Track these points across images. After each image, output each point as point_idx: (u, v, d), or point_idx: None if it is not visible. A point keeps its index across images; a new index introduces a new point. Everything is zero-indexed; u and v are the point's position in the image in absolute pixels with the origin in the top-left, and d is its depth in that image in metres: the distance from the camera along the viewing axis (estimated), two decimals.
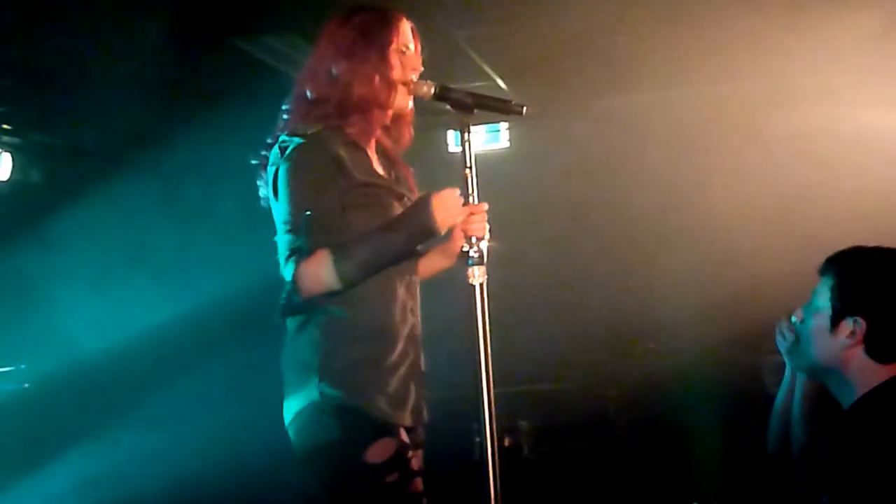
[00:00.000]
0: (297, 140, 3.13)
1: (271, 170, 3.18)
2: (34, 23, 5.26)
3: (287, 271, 3.03)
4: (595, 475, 6.76)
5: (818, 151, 6.46)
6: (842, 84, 6.32)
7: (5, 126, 6.13)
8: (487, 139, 6.74)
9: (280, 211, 3.11)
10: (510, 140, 6.98)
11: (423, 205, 3.11)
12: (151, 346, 5.84)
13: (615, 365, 7.32)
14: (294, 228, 3.06)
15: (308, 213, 3.05)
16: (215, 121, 5.67)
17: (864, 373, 2.94)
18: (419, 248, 3.30)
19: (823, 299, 3.03)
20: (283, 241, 3.09)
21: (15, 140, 6.18)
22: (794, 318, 3.16)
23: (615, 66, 6.43)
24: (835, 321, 2.98)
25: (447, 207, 3.11)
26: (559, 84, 6.79)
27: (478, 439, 6.25)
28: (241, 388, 5.73)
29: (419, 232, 3.13)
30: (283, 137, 3.17)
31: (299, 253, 3.02)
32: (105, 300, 5.87)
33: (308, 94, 3.25)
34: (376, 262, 3.09)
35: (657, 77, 6.60)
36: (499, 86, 6.78)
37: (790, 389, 3.48)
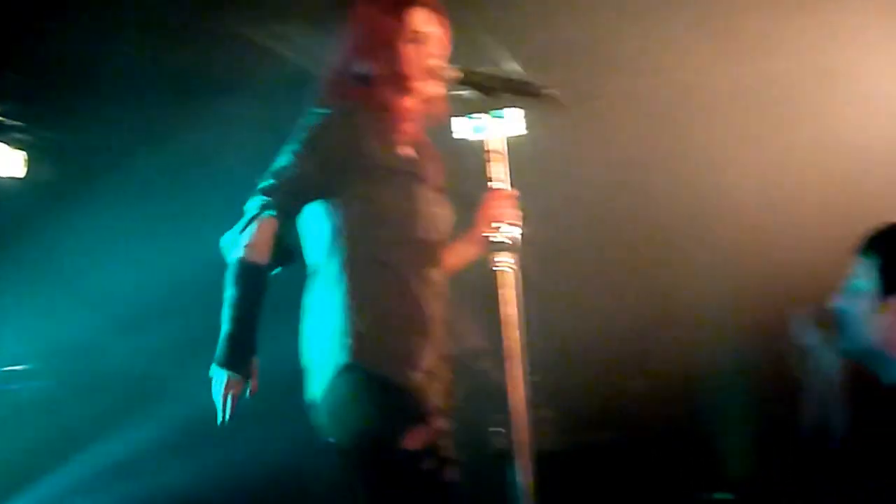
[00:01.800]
0: (318, 112, 3.15)
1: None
2: (43, 20, 5.23)
3: (250, 212, 3.05)
4: (617, 467, 6.73)
5: (839, 136, 6.36)
6: (871, 63, 6.19)
7: (18, 124, 6.08)
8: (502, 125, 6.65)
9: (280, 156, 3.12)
10: (527, 127, 6.90)
11: None
12: (171, 341, 5.77)
13: (639, 354, 7.26)
14: (275, 174, 3.08)
15: (291, 171, 3.08)
16: (227, 110, 5.61)
17: None
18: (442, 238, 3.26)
19: (868, 280, 2.93)
20: (260, 181, 3.09)
21: (28, 138, 6.14)
22: (831, 305, 3.07)
23: (637, 48, 6.36)
24: (881, 300, 2.89)
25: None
26: (576, 68, 6.73)
27: (492, 429, 6.31)
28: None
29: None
30: (308, 113, 3.18)
31: (273, 203, 3.05)
32: (122, 298, 5.82)
33: (334, 72, 3.25)
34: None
35: (680, 60, 6.51)
36: (514, 69, 6.72)
37: (823, 379, 3.41)
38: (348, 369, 3.01)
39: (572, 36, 6.24)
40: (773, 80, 6.57)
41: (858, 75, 6.25)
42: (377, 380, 3.01)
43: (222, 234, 3.10)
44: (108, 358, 5.82)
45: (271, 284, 3.08)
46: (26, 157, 6.15)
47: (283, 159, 3.09)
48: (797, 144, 6.51)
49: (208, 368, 3.01)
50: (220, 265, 3.09)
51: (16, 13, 5.13)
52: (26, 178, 6.14)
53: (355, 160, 3.09)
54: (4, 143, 6.05)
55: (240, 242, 3.02)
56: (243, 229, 3.02)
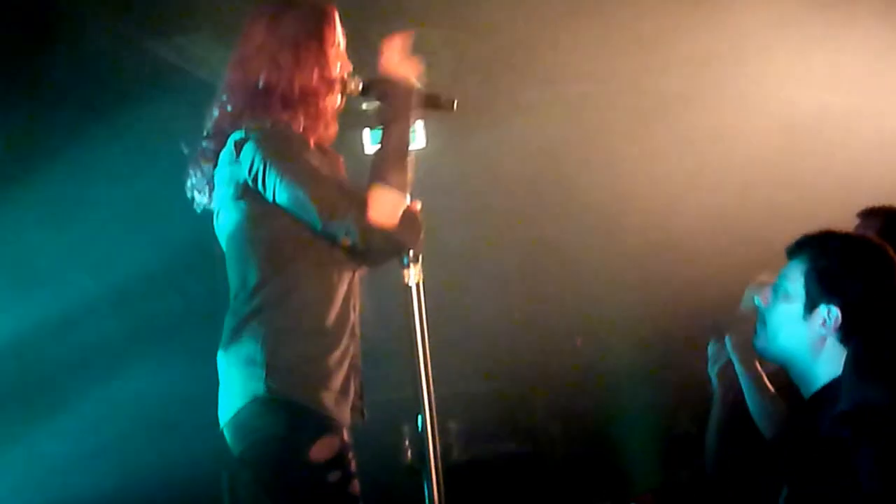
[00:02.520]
0: (254, 133, 3.08)
1: (229, 168, 3.12)
2: None
3: (365, 234, 3.00)
4: (525, 477, 6.76)
5: (762, 139, 6.49)
6: (794, 65, 6.31)
7: None
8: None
9: (297, 200, 3.02)
10: (427, 138, 6.88)
11: (387, 83, 3.17)
12: (72, 351, 5.66)
13: (545, 364, 7.29)
14: (333, 202, 3.01)
15: (329, 185, 3.05)
16: (128, 124, 5.52)
17: (833, 361, 2.87)
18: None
19: (796, 284, 2.94)
20: (325, 220, 3.00)
21: None
22: (757, 301, 3.08)
23: (536, 58, 6.42)
24: (809, 308, 2.91)
25: (399, 63, 3.18)
26: (474, 79, 6.76)
27: (407, 441, 6.30)
28: (167, 392, 5.61)
29: (403, 101, 3.16)
30: (236, 135, 3.10)
31: (361, 210, 3.00)
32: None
33: (249, 82, 3.19)
34: (402, 155, 3.13)
35: (577, 69, 6.58)
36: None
37: (727, 401, 3.48)
38: (260, 400, 3.02)
39: (480, 47, 6.28)
40: (677, 91, 6.67)
41: (762, 85, 6.39)
42: (288, 406, 3.01)
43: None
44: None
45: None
46: None
47: (302, 187, 3.02)
48: (703, 152, 6.62)
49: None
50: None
51: None
52: None
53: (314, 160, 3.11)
54: None
55: (395, 209, 3.06)
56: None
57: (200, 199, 3.29)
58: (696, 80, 6.47)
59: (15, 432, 5.48)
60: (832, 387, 2.85)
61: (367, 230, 2.99)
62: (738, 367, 3.60)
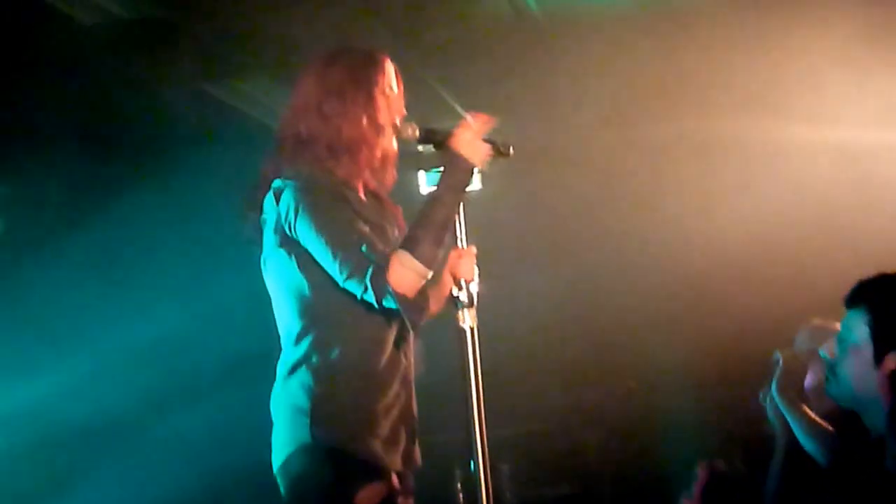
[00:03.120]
0: (291, 182, 3.10)
1: (270, 216, 3.15)
2: None
3: (381, 294, 2.96)
4: None
5: (806, 177, 6.48)
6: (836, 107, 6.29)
7: None
8: None
9: (323, 252, 3.03)
10: (482, 182, 6.94)
11: (451, 156, 3.11)
12: (128, 398, 5.74)
13: (597, 405, 7.28)
14: (355, 259, 2.99)
15: (356, 238, 3.02)
16: (187, 167, 5.61)
17: None
18: None
19: (861, 333, 2.96)
20: (346, 275, 3.00)
21: None
22: (823, 353, 3.11)
23: (587, 103, 6.47)
24: (878, 356, 2.93)
25: (469, 142, 3.11)
26: (529, 123, 6.82)
27: (459, 484, 6.30)
28: (228, 436, 5.65)
29: (461, 178, 3.11)
30: (276, 182, 3.14)
31: (380, 270, 2.96)
32: (72, 357, 5.76)
33: (297, 132, 3.21)
34: (440, 232, 3.07)
35: (631, 112, 6.63)
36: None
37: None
38: (307, 448, 3.05)
39: (521, 91, 6.34)
40: (722, 132, 6.68)
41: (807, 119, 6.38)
42: (336, 456, 3.03)
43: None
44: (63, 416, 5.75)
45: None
46: None
47: (328, 239, 3.03)
48: (760, 193, 6.61)
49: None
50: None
51: None
52: None
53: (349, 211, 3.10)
54: None
55: (417, 277, 3.00)
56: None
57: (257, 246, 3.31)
58: (749, 123, 6.47)
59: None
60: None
61: (382, 295, 2.97)
62: (783, 407, 3.71)
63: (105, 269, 5.89)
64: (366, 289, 2.97)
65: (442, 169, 3.13)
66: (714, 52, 5.89)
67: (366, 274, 2.96)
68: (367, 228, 3.07)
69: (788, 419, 3.71)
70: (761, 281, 6.34)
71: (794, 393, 3.72)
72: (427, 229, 3.04)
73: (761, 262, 6.54)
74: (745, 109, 6.43)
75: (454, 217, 3.14)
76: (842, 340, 3.04)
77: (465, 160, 3.09)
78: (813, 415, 3.66)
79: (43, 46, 5.18)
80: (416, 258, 2.97)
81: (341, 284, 3.02)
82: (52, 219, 5.93)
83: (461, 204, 3.14)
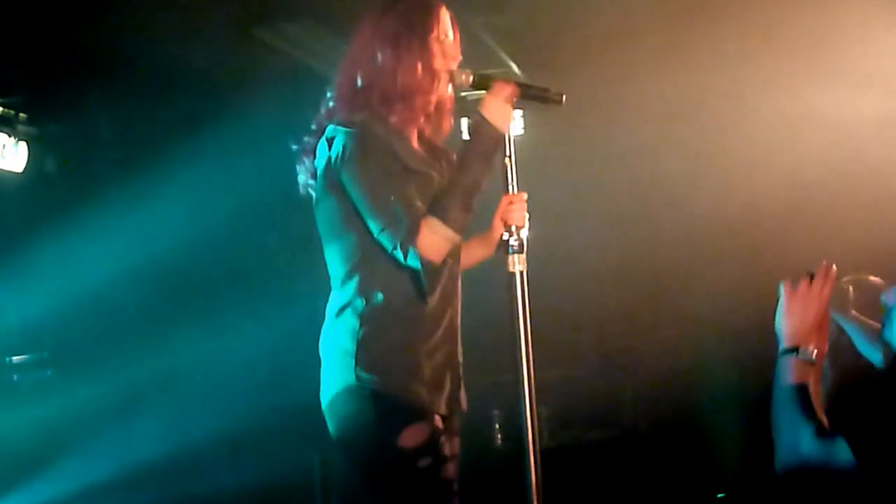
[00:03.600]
0: (343, 130, 3.14)
1: (321, 161, 3.20)
2: (48, 12, 5.24)
3: (408, 256, 3.04)
4: (613, 466, 6.80)
5: (836, 139, 6.46)
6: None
7: (21, 115, 6.09)
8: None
9: (362, 204, 3.10)
10: (524, 127, 6.97)
11: (479, 122, 3.16)
12: (177, 330, 5.85)
13: (634, 352, 7.36)
14: (389, 217, 3.06)
15: (392, 197, 3.07)
16: (238, 110, 5.65)
17: None
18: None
19: None
20: (379, 230, 3.08)
21: (32, 130, 6.14)
22: (885, 299, 3.12)
23: (629, 54, 6.44)
24: None
25: (497, 108, 3.16)
26: (571, 71, 6.82)
27: (497, 425, 6.38)
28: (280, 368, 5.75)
29: (491, 145, 3.15)
30: (329, 128, 3.19)
31: (410, 233, 3.04)
32: (126, 290, 5.87)
33: (353, 80, 3.25)
34: (470, 197, 3.13)
35: (670, 65, 6.60)
36: (515, 72, 6.83)
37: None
38: (352, 389, 3.13)
39: (565, 40, 6.34)
40: (764, 85, 6.67)
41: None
42: (380, 397, 3.11)
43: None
44: (110, 351, 5.87)
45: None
46: (28, 150, 6.13)
47: (367, 193, 3.10)
48: (802, 146, 6.61)
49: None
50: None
51: (21, 6, 5.15)
52: (28, 170, 6.13)
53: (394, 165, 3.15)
54: (8, 134, 6.03)
55: (446, 243, 3.09)
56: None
57: (310, 191, 3.35)
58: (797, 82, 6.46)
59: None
60: None
61: (408, 255, 3.04)
62: (842, 321, 4.10)
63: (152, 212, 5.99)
64: (395, 247, 3.05)
65: (474, 136, 3.17)
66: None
67: (397, 233, 3.04)
68: (409, 186, 3.11)
69: (845, 326, 4.11)
70: (801, 232, 6.33)
71: (846, 308, 4.11)
72: (455, 196, 3.10)
73: (803, 213, 6.54)
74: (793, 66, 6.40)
75: (482, 182, 3.17)
76: None
77: (493, 127, 3.14)
78: (867, 320, 4.00)
79: None
80: (446, 224, 3.06)
81: (375, 236, 3.09)
82: (103, 158, 6.02)
83: (489, 169, 3.17)
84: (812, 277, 2.83)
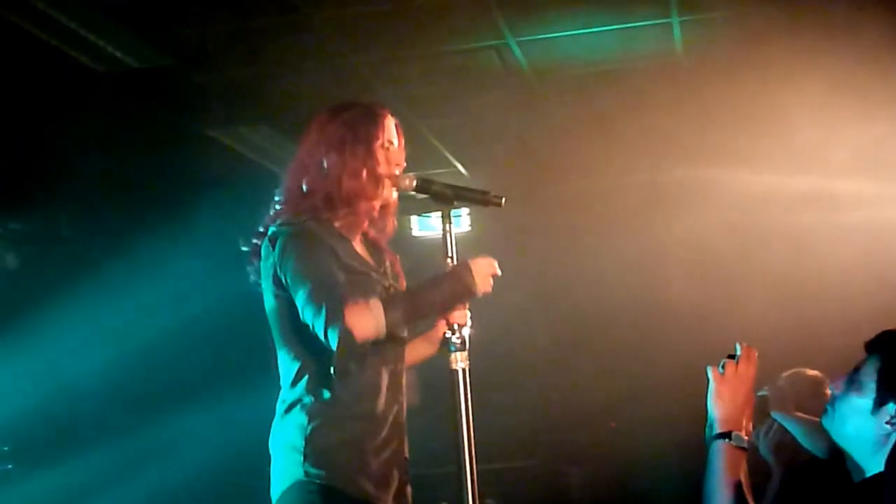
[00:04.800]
0: (284, 230, 3.23)
1: (266, 263, 3.27)
2: (12, 117, 5.42)
3: (332, 333, 3.02)
4: None
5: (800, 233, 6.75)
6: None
7: None
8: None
9: (297, 293, 3.13)
10: (470, 224, 7.17)
11: (464, 268, 3.21)
12: (141, 428, 5.92)
13: (579, 443, 7.49)
14: (320, 296, 3.08)
15: (324, 281, 3.12)
16: (194, 209, 5.79)
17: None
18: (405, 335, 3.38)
19: (868, 379, 2.91)
20: (311, 314, 3.08)
21: None
22: (831, 387, 3.06)
23: (574, 152, 6.71)
24: (878, 404, 2.88)
25: (484, 272, 3.22)
26: (516, 170, 7.07)
27: None
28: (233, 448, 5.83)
29: (460, 292, 3.21)
30: (272, 229, 3.26)
31: (337, 310, 3.02)
32: (87, 385, 5.95)
33: (299, 185, 3.35)
34: (417, 315, 3.21)
35: (608, 165, 6.87)
36: (460, 172, 7.08)
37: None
38: (301, 484, 3.17)
39: (508, 140, 6.64)
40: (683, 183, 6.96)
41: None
42: (328, 492, 3.15)
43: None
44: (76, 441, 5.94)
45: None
46: None
47: (301, 281, 3.12)
48: (735, 235, 6.88)
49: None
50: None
51: None
52: None
53: (331, 259, 3.21)
54: None
55: (374, 327, 3.06)
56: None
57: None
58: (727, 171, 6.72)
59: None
60: (880, 478, 2.87)
61: (332, 323, 3.01)
62: (781, 418, 4.32)
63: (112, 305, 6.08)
64: (324, 323, 3.01)
65: (452, 274, 3.21)
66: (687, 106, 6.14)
67: (325, 311, 3.02)
68: (343, 278, 3.15)
69: (787, 425, 4.29)
70: (744, 323, 6.48)
71: (787, 407, 4.32)
72: (411, 305, 3.16)
73: (746, 304, 6.74)
74: (720, 159, 6.69)
75: (433, 315, 3.28)
76: (851, 380, 3.00)
77: (473, 284, 3.19)
78: (807, 416, 4.19)
79: (59, 92, 5.40)
80: (386, 316, 3.07)
81: (309, 323, 3.07)
82: (63, 254, 6.10)
83: (446, 311, 3.22)
84: (734, 358, 2.86)
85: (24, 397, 5.71)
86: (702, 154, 6.69)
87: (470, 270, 3.19)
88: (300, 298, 3.11)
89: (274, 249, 3.21)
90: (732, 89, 5.97)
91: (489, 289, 3.22)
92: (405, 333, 3.29)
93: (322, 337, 3.03)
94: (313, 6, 4.90)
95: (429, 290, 3.21)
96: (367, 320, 3.03)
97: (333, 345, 3.02)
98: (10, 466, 5.79)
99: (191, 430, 6.06)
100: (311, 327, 3.08)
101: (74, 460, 5.78)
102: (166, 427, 5.98)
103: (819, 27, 5.12)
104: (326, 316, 3.02)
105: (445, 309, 3.22)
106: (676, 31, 5.48)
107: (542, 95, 6.09)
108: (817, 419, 3.50)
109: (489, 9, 5.05)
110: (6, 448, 5.79)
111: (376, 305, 3.06)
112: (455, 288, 3.20)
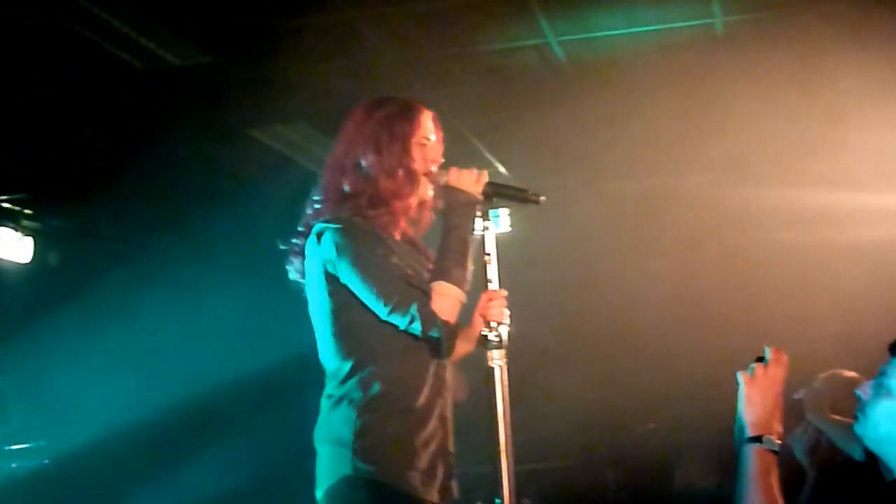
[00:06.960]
0: (332, 226, 3.23)
1: (312, 261, 3.28)
2: (54, 115, 5.47)
3: (425, 325, 3.12)
4: None
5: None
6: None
7: (26, 211, 6.26)
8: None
9: (364, 290, 3.17)
10: (511, 225, 7.16)
11: (448, 189, 3.30)
12: (174, 422, 5.94)
13: (616, 444, 7.46)
14: (396, 295, 3.14)
15: (394, 277, 3.17)
16: (231, 206, 5.80)
17: None
18: None
19: (894, 381, 2.90)
20: (388, 310, 3.14)
21: (35, 224, 6.32)
22: (859, 393, 3.15)
23: (613, 153, 6.68)
24: None
25: (457, 176, 3.30)
26: (556, 170, 7.05)
27: None
28: (269, 463, 5.81)
29: (463, 203, 3.29)
30: (317, 226, 3.27)
31: (425, 301, 3.14)
32: (124, 379, 5.97)
33: (339, 185, 3.35)
34: (463, 252, 3.25)
35: (652, 164, 6.83)
36: (499, 171, 7.06)
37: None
38: (349, 479, 3.18)
39: (549, 140, 6.60)
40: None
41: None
42: (376, 487, 3.16)
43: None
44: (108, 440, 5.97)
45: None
46: (34, 243, 6.31)
47: (368, 278, 3.16)
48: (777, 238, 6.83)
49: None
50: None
51: (22, 108, 5.35)
52: (33, 262, 6.30)
53: (386, 251, 3.24)
54: (13, 228, 6.22)
55: (456, 304, 3.19)
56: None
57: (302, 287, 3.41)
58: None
59: None
60: None
61: (430, 323, 3.12)
62: (817, 421, 4.31)
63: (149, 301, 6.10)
64: (412, 319, 3.11)
65: (445, 204, 3.30)
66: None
67: (411, 305, 3.11)
68: (403, 268, 3.19)
69: (823, 428, 4.29)
70: (785, 326, 6.44)
71: (822, 410, 4.31)
72: (450, 257, 3.23)
73: (786, 306, 6.75)
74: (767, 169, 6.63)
75: (469, 239, 3.28)
76: (878, 385, 2.99)
77: (460, 191, 3.28)
78: (842, 418, 4.15)
79: (99, 90, 5.43)
80: (451, 283, 3.17)
81: (384, 317, 3.15)
82: (103, 252, 6.15)
83: (472, 225, 3.27)
84: (763, 361, 2.83)
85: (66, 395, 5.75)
86: (746, 161, 6.67)
87: (451, 186, 3.29)
88: (371, 296, 3.16)
89: (321, 245, 3.22)
90: (776, 90, 5.94)
91: (479, 183, 3.31)
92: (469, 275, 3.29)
93: (420, 331, 3.13)
94: (354, 4, 4.89)
95: (447, 233, 3.28)
96: (446, 302, 3.15)
97: (436, 335, 3.14)
98: (45, 461, 5.84)
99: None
100: (396, 324, 3.15)
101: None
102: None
103: None
104: (415, 312, 3.11)
105: (469, 223, 3.28)
106: (718, 29, 5.43)
107: (582, 94, 6.05)
108: (852, 421, 3.50)
109: (530, 8, 5.02)
110: (42, 443, 5.84)
111: (438, 284, 3.17)
112: (459, 206, 3.28)
